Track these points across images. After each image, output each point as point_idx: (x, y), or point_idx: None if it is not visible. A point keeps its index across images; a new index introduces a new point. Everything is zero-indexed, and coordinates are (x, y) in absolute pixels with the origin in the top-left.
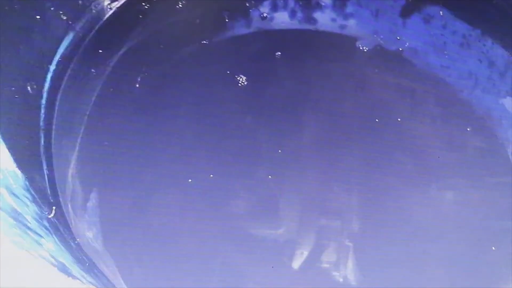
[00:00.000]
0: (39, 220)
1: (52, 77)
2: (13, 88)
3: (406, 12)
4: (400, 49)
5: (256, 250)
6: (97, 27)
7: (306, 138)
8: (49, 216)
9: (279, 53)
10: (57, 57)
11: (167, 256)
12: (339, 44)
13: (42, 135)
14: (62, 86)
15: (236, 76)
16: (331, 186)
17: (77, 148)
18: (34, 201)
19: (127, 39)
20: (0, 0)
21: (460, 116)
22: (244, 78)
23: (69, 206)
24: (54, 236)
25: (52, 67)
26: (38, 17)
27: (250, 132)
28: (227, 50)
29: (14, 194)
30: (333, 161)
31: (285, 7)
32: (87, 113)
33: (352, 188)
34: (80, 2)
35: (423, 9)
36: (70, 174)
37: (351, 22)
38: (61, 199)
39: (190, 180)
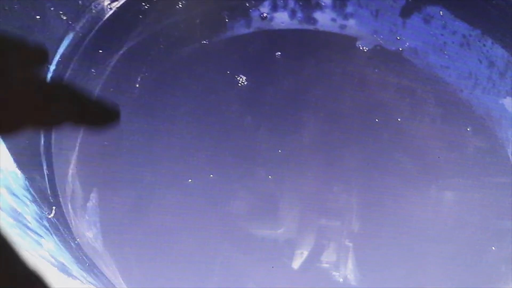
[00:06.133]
0: (39, 220)
1: (52, 77)
2: None
3: (406, 12)
4: (400, 49)
5: (256, 250)
6: (97, 27)
7: (306, 138)
8: (49, 216)
9: (279, 53)
10: (57, 57)
11: (167, 256)
12: (339, 44)
13: (42, 135)
14: None
15: (236, 76)
16: (331, 186)
17: (77, 148)
18: (34, 201)
19: (127, 39)
20: (0, 0)
21: (460, 116)
22: (244, 78)
23: (69, 206)
24: (54, 236)
25: (52, 67)
26: (38, 17)
27: (250, 132)
28: (227, 50)
29: (14, 194)
30: (333, 161)
31: (285, 7)
32: None
33: (352, 188)
34: (80, 2)
35: (423, 9)
36: (70, 174)
37: (351, 22)
38: (61, 199)
39: (190, 180)
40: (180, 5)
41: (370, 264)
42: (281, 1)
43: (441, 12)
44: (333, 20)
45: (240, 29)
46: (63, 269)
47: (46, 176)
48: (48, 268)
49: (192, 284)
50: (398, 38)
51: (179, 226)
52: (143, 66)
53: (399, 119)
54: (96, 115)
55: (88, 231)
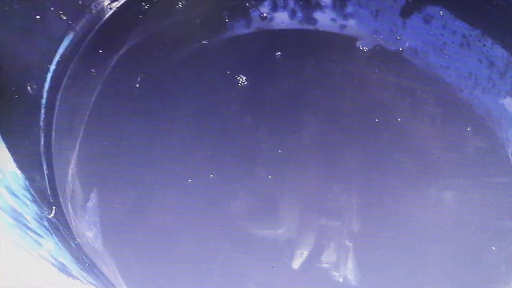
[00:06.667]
0: (39, 220)
1: (52, 77)
2: (13, 88)
3: (406, 12)
4: (400, 49)
5: (256, 250)
6: (97, 27)
7: (306, 138)
8: (49, 216)
9: (279, 53)
10: (57, 57)
11: (167, 256)
12: (339, 44)
13: (42, 135)
14: (62, 86)
15: (236, 76)
16: (331, 186)
17: (77, 148)
18: (34, 201)
19: (127, 39)
20: (0, 0)
21: (460, 116)
22: (244, 78)
23: (69, 206)
24: (54, 236)
25: (52, 67)
26: (38, 17)
27: (250, 132)
28: (227, 50)
29: (14, 194)
30: (333, 161)
31: (285, 7)
32: (87, 113)
33: (352, 188)
34: (80, 2)
35: (423, 9)
36: (70, 174)
37: (351, 22)
38: (61, 199)
39: (190, 180)
40: (180, 5)
41: (370, 264)
42: (281, 1)
43: (441, 12)
44: (333, 20)
45: (240, 29)
46: (63, 269)
47: (46, 176)
48: (48, 268)
49: (192, 284)
50: (398, 38)
51: (179, 226)
52: (143, 66)
53: (399, 119)
54: None
55: (88, 231)
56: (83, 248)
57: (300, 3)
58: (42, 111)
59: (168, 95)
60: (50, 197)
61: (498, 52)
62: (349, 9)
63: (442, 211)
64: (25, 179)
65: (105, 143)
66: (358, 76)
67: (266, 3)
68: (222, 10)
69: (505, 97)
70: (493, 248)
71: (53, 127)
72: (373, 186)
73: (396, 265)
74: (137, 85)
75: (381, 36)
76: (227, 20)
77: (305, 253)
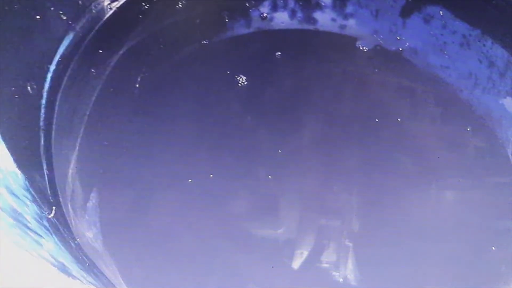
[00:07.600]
0: (39, 220)
1: (52, 77)
2: (13, 88)
3: (406, 12)
4: (400, 49)
5: (256, 250)
6: (97, 27)
7: (306, 138)
8: (49, 216)
9: (279, 53)
10: (57, 57)
11: (167, 256)
12: (339, 44)
13: (42, 135)
14: (62, 86)
15: (236, 76)
16: (331, 186)
17: (77, 148)
18: (34, 201)
19: (127, 39)
20: (0, 0)
21: (460, 116)
22: (244, 78)
23: (69, 206)
24: (54, 236)
25: (52, 67)
26: (38, 17)
27: (250, 132)
28: (227, 50)
29: (14, 194)
30: (333, 161)
31: (285, 7)
32: (87, 113)
33: (352, 188)
34: (80, 2)
35: (423, 9)
36: (70, 174)
37: (351, 22)
38: (61, 199)
39: (190, 180)
40: (180, 5)
41: (370, 264)
42: (281, 1)
43: (441, 12)
44: (333, 20)
45: (240, 29)
46: (63, 269)
47: (46, 176)
48: (48, 268)
49: (192, 284)
50: (398, 38)
51: (179, 226)
52: (143, 66)
53: (399, 119)
54: None
55: (88, 231)
56: (83, 248)
57: (300, 3)
58: (42, 111)
59: (168, 95)
60: (50, 197)
61: (498, 52)
62: (349, 9)
63: (442, 211)
64: (25, 179)
65: (105, 143)
66: (358, 76)
67: (266, 3)
68: (222, 10)
69: (505, 97)
70: (493, 248)
71: (53, 127)
72: (373, 186)
73: (396, 265)
74: (137, 85)
75: (381, 36)
76: (227, 20)
77: (305, 253)
